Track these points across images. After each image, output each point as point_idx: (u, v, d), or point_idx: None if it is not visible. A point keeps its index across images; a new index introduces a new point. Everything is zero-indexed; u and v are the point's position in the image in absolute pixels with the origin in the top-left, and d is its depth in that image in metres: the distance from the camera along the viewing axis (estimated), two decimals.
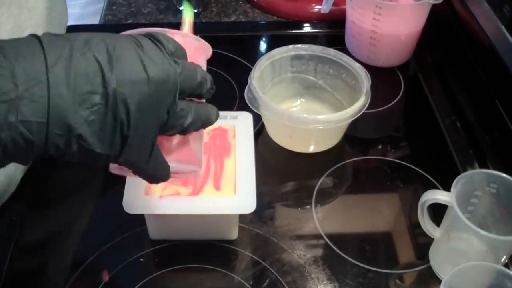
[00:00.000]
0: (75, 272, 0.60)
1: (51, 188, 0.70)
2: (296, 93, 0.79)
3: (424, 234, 0.60)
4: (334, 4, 0.89)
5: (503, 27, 0.73)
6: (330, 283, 0.60)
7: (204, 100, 0.49)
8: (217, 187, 0.59)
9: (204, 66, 0.52)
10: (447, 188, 0.56)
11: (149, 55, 0.41)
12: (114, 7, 1.00)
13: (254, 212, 0.57)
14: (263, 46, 0.94)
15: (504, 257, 0.56)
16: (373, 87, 0.70)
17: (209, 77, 0.48)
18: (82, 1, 1.52)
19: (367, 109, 0.69)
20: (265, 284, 0.60)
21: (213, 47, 0.91)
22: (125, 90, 0.39)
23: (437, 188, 0.69)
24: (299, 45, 0.76)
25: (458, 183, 0.56)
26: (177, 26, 0.97)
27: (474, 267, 0.52)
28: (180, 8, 0.96)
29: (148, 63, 0.41)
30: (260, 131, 0.75)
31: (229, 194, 0.58)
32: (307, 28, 0.95)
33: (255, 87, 0.69)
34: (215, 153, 0.62)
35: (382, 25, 0.82)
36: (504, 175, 0.57)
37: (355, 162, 0.74)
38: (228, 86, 0.83)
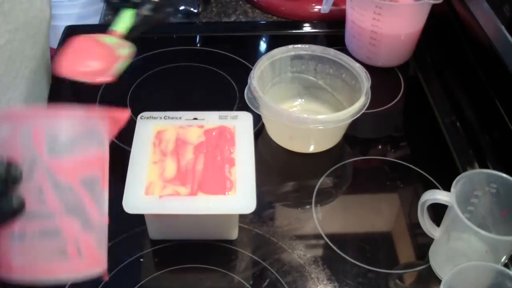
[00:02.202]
0: None
1: None
2: (296, 93, 0.79)
3: (424, 234, 0.60)
4: (334, 4, 0.89)
5: (503, 27, 0.73)
6: (330, 283, 0.60)
7: None
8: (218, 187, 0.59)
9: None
10: (447, 188, 0.56)
11: None
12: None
13: (254, 212, 0.57)
14: (263, 46, 0.94)
15: (504, 257, 0.56)
16: (373, 87, 0.70)
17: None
18: (82, 1, 1.52)
19: (367, 109, 0.69)
20: (265, 284, 0.60)
21: (213, 47, 0.92)
22: None
23: (437, 188, 0.69)
24: (299, 45, 0.76)
25: (458, 183, 0.56)
26: (177, 26, 0.97)
27: (474, 267, 0.52)
28: (181, 8, 0.96)
29: None
30: (260, 131, 0.75)
31: (229, 194, 0.58)
32: (307, 28, 0.95)
33: (255, 87, 0.69)
34: (214, 153, 0.62)
35: (382, 25, 0.82)
36: (504, 175, 0.57)
37: (355, 162, 0.74)
38: (228, 86, 0.84)
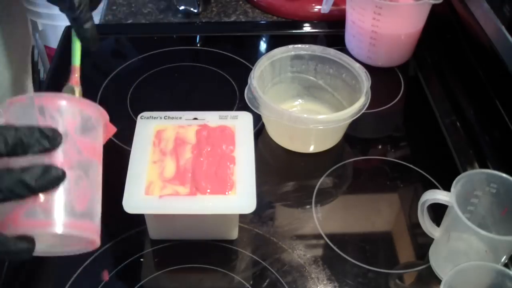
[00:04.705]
0: (75, 272, 0.60)
1: None
2: (296, 93, 0.79)
3: (424, 234, 0.60)
4: (334, 4, 0.89)
5: (503, 27, 0.73)
6: (330, 283, 0.60)
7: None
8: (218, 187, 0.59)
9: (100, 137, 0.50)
10: (447, 188, 0.56)
11: None
12: (114, 7, 1.00)
13: (254, 212, 0.57)
14: (263, 46, 0.94)
15: (504, 257, 0.56)
16: (373, 87, 0.70)
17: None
18: None
19: (367, 109, 0.69)
20: (265, 284, 0.60)
21: (213, 47, 0.92)
22: None
23: (437, 188, 0.69)
24: (299, 45, 0.76)
25: (458, 183, 0.56)
26: (177, 26, 0.97)
27: (474, 267, 0.52)
28: (181, 8, 0.96)
29: None
30: (260, 131, 0.75)
31: (229, 194, 0.58)
32: (307, 28, 0.95)
33: (255, 87, 0.69)
34: (214, 153, 0.62)
35: (382, 25, 0.82)
36: (504, 175, 0.57)
37: (355, 162, 0.74)
38: (228, 86, 0.84)
